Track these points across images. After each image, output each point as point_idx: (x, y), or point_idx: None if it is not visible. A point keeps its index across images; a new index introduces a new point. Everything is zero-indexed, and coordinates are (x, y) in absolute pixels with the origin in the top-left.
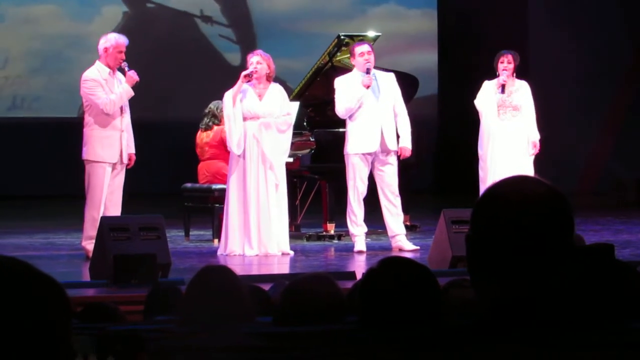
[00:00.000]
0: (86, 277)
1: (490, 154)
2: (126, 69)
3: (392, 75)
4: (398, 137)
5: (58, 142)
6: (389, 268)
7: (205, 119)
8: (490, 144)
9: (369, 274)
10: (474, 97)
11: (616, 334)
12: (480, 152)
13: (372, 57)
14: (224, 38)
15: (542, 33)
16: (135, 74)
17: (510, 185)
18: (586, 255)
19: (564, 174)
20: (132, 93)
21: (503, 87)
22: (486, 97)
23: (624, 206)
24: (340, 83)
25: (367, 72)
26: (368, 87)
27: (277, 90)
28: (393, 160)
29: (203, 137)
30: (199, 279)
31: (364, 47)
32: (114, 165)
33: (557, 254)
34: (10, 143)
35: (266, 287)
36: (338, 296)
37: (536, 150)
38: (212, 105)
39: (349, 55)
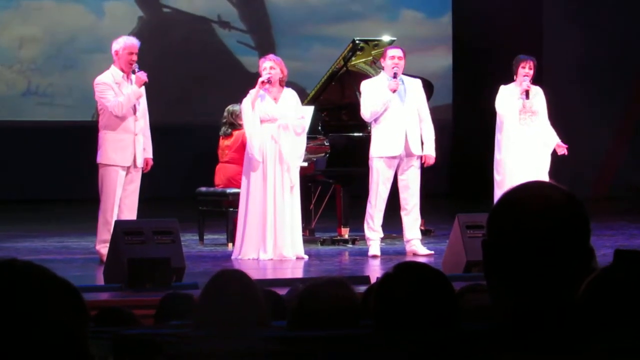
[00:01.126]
0: (100, 281)
1: (511, 159)
2: (136, 70)
3: (418, 82)
4: (422, 142)
5: (73, 145)
6: (404, 273)
7: (223, 127)
8: (510, 148)
9: (384, 278)
10: (488, 102)
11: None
12: (498, 156)
13: (401, 63)
14: (242, 44)
15: (556, 39)
16: (145, 74)
17: (527, 191)
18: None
19: (578, 179)
20: (140, 94)
21: (527, 92)
22: (508, 102)
23: (637, 211)
24: (367, 86)
25: (395, 76)
26: (394, 91)
27: (290, 95)
28: (416, 164)
29: (226, 141)
30: (214, 283)
31: (396, 52)
32: (127, 169)
33: (574, 259)
34: (25, 146)
35: (281, 291)
36: (353, 300)
37: (565, 149)
38: (227, 112)
39: (364, 59)
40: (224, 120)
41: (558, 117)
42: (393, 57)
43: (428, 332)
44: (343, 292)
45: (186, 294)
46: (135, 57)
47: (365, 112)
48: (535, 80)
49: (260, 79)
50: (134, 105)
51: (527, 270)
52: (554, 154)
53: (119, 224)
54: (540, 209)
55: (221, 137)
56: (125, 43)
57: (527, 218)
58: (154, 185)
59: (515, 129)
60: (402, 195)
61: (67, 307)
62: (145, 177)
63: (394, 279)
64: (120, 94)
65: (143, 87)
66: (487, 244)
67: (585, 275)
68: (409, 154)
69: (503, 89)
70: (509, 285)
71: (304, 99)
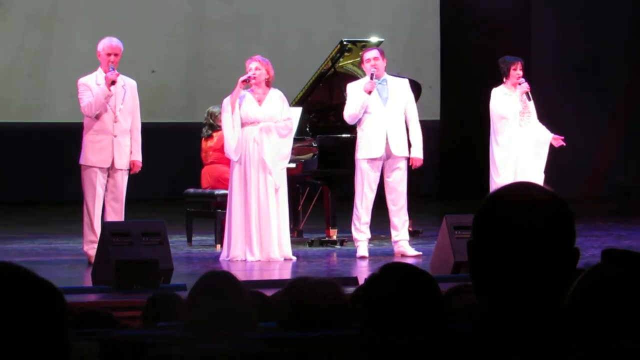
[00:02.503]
0: (88, 282)
1: (513, 160)
2: (110, 69)
3: (405, 82)
4: (410, 144)
5: (61, 146)
6: (390, 274)
7: (204, 128)
8: (512, 150)
9: (370, 279)
10: (477, 103)
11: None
12: (498, 158)
13: (379, 63)
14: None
15: (544, 40)
16: (115, 74)
17: (512, 191)
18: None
19: (567, 180)
20: (108, 93)
21: (527, 94)
22: (507, 104)
23: (626, 212)
24: (352, 88)
25: (372, 77)
26: (370, 92)
27: (276, 96)
28: (402, 166)
29: (209, 143)
30: (202, 285)
31: (372, 54)
32: (108, 171)
33: (559, 260)
34: (12, 148)
35: (269, 292)
36: (344, 302)
37: (561, 140)
38: (207, 113)
39: (352, 60)
40: (204, 122)
41: (547, 118)
42: (369, 60)
43: (415, 333)
44: (334, 294)
45: (173, 295)
46: (113, 58)
47: (346, 116)
48: (525, 80)
49: (241, 78)
50: (114, 106)
51: (512, 270)
52: (552, 151)
53: (107, 225)
54: (525, 209)
55: (203, 139)
56: (104, 44)
57: (511, 218)
58: (142, 186)
59: (516, 130)
60: (389, 196)
61: (48, 308)
62: (133, 179)
63: (380, 281)
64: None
65: (129, 87)
66: (472, 244)
67: (571, 276)
68: (391, 156)
69: (496, 92)
70: (494, 285)
71: (289, 99)
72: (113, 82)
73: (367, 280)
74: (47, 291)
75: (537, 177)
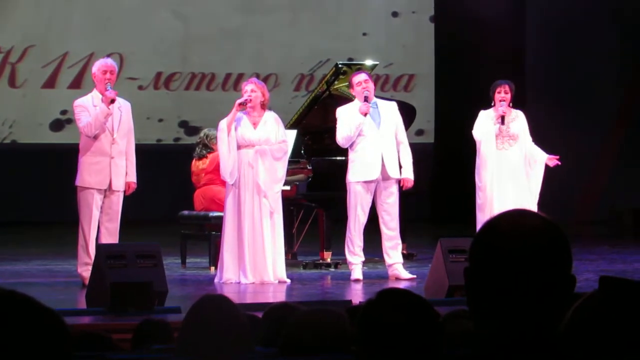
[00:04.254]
0: (82, 304)
1: (490, 183)
2: (108, 88)
3: (394, 105)
4: (400, 166)
5: (56, 167)
6: (387, 299)
7: (197, 148)
8: (489, 173)
9: (367, 305)
10: (470, 126)
11: None
12: (478, 182)
13: (370, 85)
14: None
15: (538, 62)
16: (113, 93)
17: (508, 218)
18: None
19: (560, 203)
20: (108, 112)
21: (503, 118)
22: (484, 127)
23: (619, 235)
24: (342, 113)
25: (366, 100)
26: (365, 114)
27: (272, 118)
28: (394, 188)
29: (199, 164)
30: (197, 309)
31: (361, 77)
32: (105, 192)
33: (555, 287)
34: (5, 168)
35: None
36: (346, 329)
37: (556, 159)
38: (202, 133)
39: (346, 83)
40: (198, 141)
41: (540, 141)
42: (360, 83)
43: (411, 358)
44: (336, 321)
45: (162, 321)
46: (109, 76)
47: (340, 138)
48: (516, 104)
49: (238, 100)
50: (111, 127)
51: (509, 297)
52: (548, 172)
53: (101, 247)
54: (520, 236)
55: (194, 159)
56: (99, 63)
57: (507, 245)
58: (136, 208)
59: (492, 153)
60: (383, 219)
61: (51, 336)
62: (128, 200)
63: (376, 306)
64: None
65: (124, 109)
66: (469, 271)
67: (567, 303)
68: (386, 178)
69: (482, 114)
70: (491, 312)
71: (284, 122)
72: (112, 101)
73: (363, 305)
74: (49, 318)
75: (523, 201)
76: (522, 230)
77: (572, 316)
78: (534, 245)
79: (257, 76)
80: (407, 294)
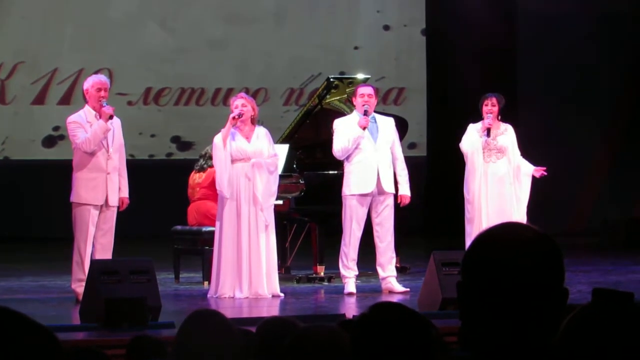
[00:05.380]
0: (76, 320)
1: (477, 196)
2: (104, 105)
3: (391, 120)
4: (396, 182)
5: (48, 184)
6: (380, 313)
7: (201, 160)
8: (476, 186)
9: (360, 319)
10: (461, 139)
11: None
12: (466, 195)
13: (372, 100)
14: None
15: (530, 74)
16: (111, 109)
17: (499, 232)
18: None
19: (552, 214)
20: (107, 128)
21: (488, 130)
22: (471, 140)
23: (612, 247)
24: (339, 124)
25: (365, 113)
26: (364, 128)
27: (262, 133)
28: (390, 202)
29: (195, 178)
30: (189, 324)
31: (366, 90)
32: (100, 208)
33: (548, 300)
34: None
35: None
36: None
37: (542, 170)
38: (209, 147)
39: (338, 97)
40: (203, 154)
41: (532, 151)
42: (363, 95)
43: None
44: (334, 339)
45: (154, 337)
46: (104, 94)
47: (337, 150)
48: (508, 115)
49: (231, 115)
50: (107, 143)
51: (502, 310)
52: (536, 184)
53: (95, 263)
54: (513, 249)
55: (194, 172)
56: (93, 81)
57: (499, 259)
58: (129, 223)
59: (479, 166)
60: (377, 233)
61: (44, 353)
62: (121, 215)
63: (370, 320)
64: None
65: (116, 125)
66: (461, 285)
67: (560, 316)
68: (381, 192)
69: (470, 127)
70: (484, 325)
71: (275, 136)
72: (111, 117)
73: (357, 320)
74: (43, 336)
75: (511, 213)
76: (514, 243)
77: (566, 328)
78: (526, 258)
79: (247, 91)
80: (400, 308)
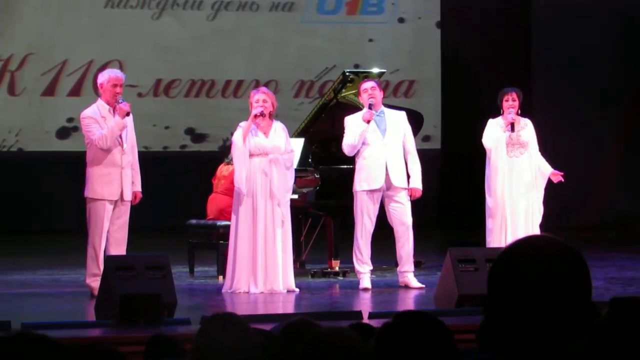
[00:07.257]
0: (91, 315)
1: (501, 191)
2: (121, 101)
3: (403, 114)
4: (408, 175)
5: (62, 176)
6: (404, 323)
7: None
8: (500, 181)
9: (384, 328)
10: (477, 132)
11: None
12: (488, 190)
13: (376, 93)
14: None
15: (544, 69)
16: (127, 105)
17: (526, 245)
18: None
19: (566, 208)
20: (124, 125)
21: (512, 125)
22: (494, 136)
23: (628, 241)
24: (349, 121)
25: (370, 107)
26: (368, 121)
27: (279, 128)
28: (402, 196)
29: (223, 170)
30: (207, 328)
31: (368, 84)
32: (115, 203)
33: (577, 312)
34: (14, 177)
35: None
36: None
37: (560, 176)
38: None
39: (353, 91)
40: None
41: (547, 147)
42: (366, 90)
43: None
44: (351, 344)
45: (171, 336)
46: (119, 90)
47: (344, 146)
48: (523, 110)
49: (253, 112)
50: (121, 138)
51: (527, 323)
52: (550, 183)
53: (110, 259)
54: (539, 263)
55: (224, 163)
56: (109, 76)
57: (526, 272)
58: (143, 216)
59: (504, 161)
60: (396, 228)
61: None
62: (134, 209)
63: (394, 330)
64: (106, 127)
65: (128, 119)
66: (488, 298)
67: (585, 330)
68: (391, 187)
69: (491, 122)
70: (510, 337)
71: (291, 130)
72: (128, 113)
73: (380, 329)
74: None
75: (531, 208)
76: (541, 256)
77: (585, 340)
78: (553, 271)
79: (257, 83)
80: (424, 317)
